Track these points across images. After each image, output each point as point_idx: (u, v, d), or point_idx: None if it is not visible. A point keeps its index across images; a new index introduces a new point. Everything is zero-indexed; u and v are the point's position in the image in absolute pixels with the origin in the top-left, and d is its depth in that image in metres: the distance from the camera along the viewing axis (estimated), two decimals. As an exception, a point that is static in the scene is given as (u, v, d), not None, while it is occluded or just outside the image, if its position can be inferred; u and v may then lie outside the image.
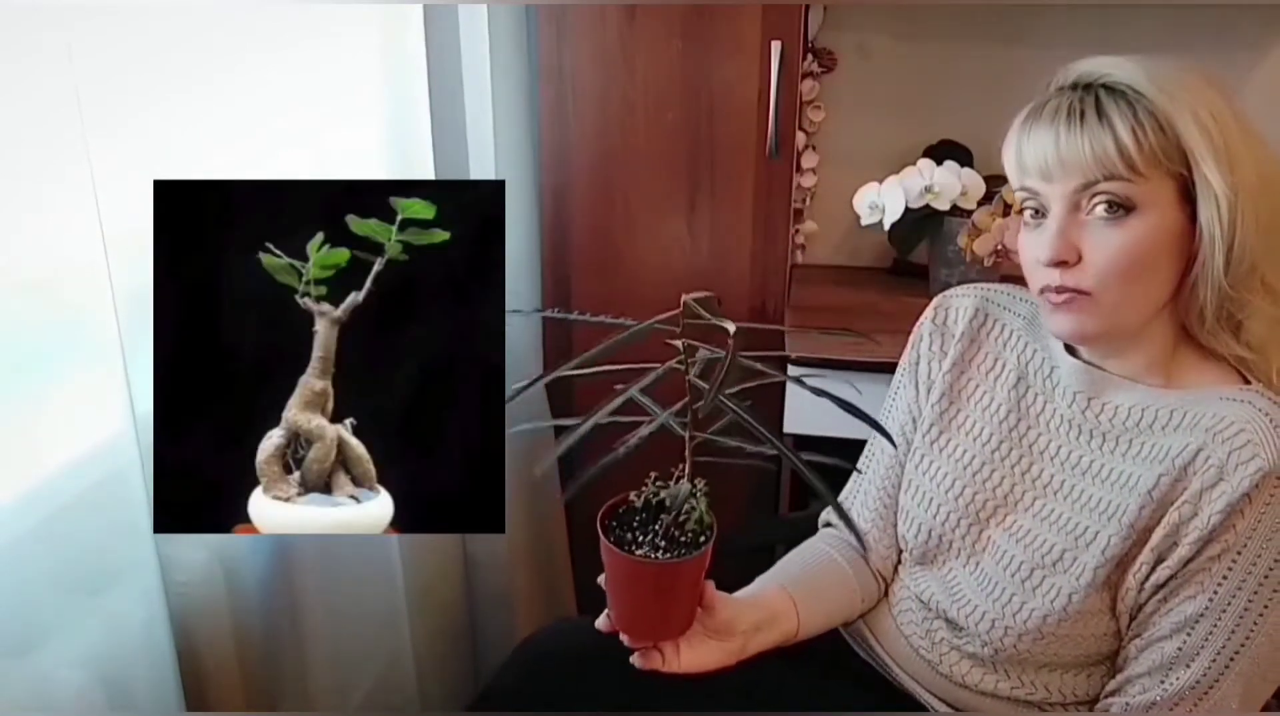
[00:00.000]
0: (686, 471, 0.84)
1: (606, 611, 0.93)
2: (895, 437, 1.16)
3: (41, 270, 0.83)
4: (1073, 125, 0.91)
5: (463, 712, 1.63)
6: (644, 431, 0.79)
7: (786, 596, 1.08)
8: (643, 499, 0.87)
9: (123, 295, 0.88)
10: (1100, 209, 0.91)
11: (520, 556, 1.72)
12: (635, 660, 0.95)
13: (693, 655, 0.96)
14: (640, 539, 0.85)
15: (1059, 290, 0.94)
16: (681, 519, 0.85)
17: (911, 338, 1.17)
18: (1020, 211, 0.98)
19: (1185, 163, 0.90)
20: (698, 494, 0.85)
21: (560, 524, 1.81)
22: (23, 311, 0.82)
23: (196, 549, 1.05)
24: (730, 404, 0.76)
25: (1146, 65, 0.91)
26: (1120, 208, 0.91)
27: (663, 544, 0.85)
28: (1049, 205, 0.94)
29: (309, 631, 1.25)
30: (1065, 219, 0.93)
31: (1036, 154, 0.93)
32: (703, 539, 0.85)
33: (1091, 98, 0.91)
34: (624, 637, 0.93)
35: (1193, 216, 0.92)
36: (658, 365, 0.79)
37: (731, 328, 0.75)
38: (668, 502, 0.85)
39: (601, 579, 0.90)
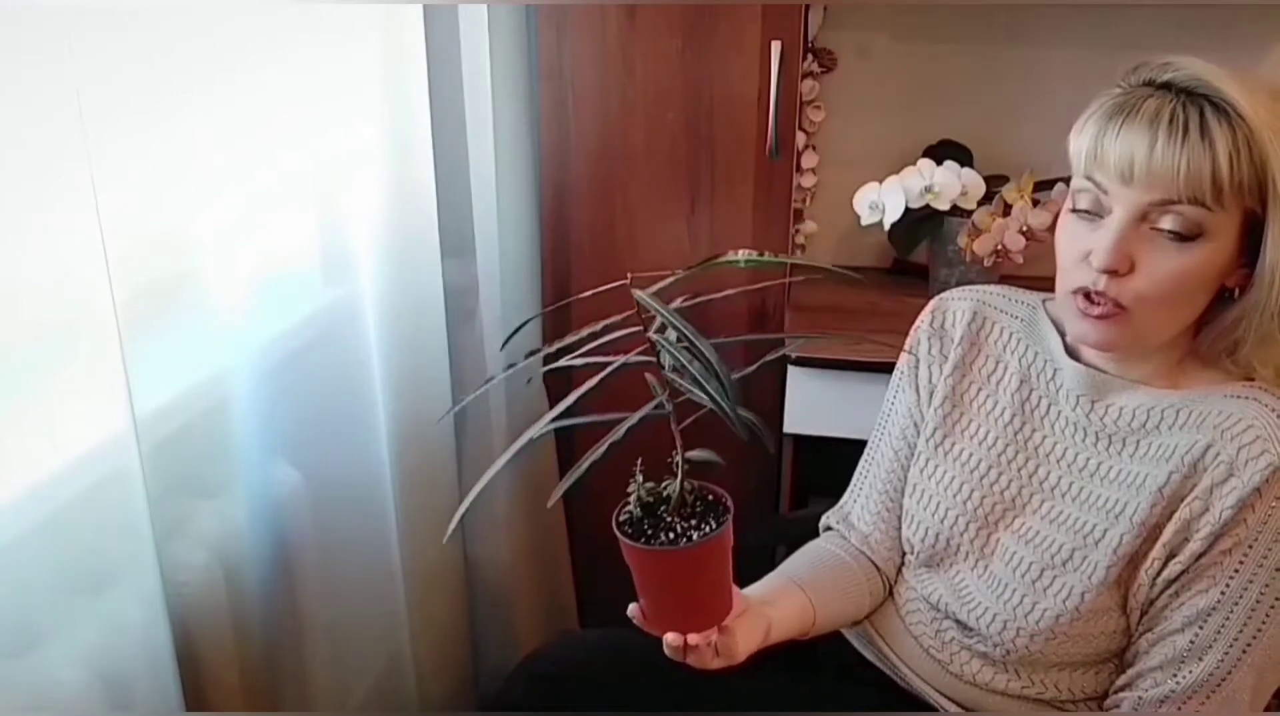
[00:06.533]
0: (679, 456, 0.84)
1: (639, 606, 0.90)
2: (896, 441, 1.16)
3: (41, 270, 0.83)
4: (1174, 135, 0.86)
5: (463, 713, 1.63)
6: (632, 420, 0.79)
7: (799, 590, 1.08)
8: (635, 493, 0.86)
9: (123, 295, 0.88)
10: (1167, 227, 0.89)
11: (520, 557, 1.72)
12: (691, 659, 0.91)
13: (738, 641, 0.93)
14: (659, 528, 0.84)
15: (1099, 298, 0.92)
16: (691, 501, 0.85)
17: (909, 341, 1.16)
18: (1074, 209, 0.94)
19: (1261, 198, 0.88)
20: (679, 469, 0.84)
21: (560, 523, 1.81)
22: (23, 311, 0.82)
23: (196, 549, 1.05)
24: (669, 314, 0.80)
25: (1245, 82, 0.88)
26: (1188, 231, 0.88)
27: (680, 531, 0.84)
28: (1112, 207, 0.91)
29: (309, 631, 1.25)
30: (1129, 227, 0.90)
31: (1123, 153, 0.89)
32: (718, 520, 0.84)
33: (1196, 111, 0.87)
34: (666, 636, 0.89)
35: (1244, 248, 0.90)
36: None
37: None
38: (667, 493, 0.85)
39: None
